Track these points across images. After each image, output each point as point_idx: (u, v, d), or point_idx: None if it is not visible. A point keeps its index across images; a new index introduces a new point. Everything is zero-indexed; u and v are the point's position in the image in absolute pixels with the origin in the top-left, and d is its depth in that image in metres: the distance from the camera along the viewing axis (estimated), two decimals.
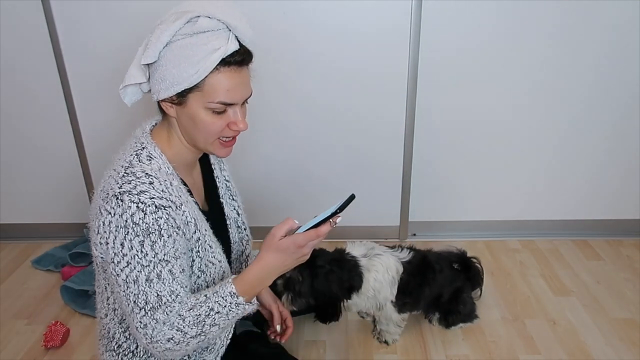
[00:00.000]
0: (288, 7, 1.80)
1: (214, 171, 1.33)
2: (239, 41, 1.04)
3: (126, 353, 1.17)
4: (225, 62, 1.02)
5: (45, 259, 2.05)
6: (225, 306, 1.03)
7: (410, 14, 1.80)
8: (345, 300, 1.44)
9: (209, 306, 1.03)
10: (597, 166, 2.06)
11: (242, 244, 1.41)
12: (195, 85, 1.03)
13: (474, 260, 1.69)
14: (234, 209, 1.38)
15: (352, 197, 1.06)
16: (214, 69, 1.01)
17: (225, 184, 1.36)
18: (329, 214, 1.04)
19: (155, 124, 1.18)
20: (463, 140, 2.02)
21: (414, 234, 2.19)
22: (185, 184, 1.14)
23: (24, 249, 2.16)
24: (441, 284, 1.56)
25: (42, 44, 1.88)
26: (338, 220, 1.05)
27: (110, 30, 1.86)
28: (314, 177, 2.08)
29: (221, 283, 1.06)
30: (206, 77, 1.02)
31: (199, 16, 1.01)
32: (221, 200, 1.33)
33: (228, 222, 1.34)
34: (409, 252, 1.53)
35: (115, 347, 1.18)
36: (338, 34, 1.84)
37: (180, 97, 1.05)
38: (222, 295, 1.03)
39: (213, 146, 1.12)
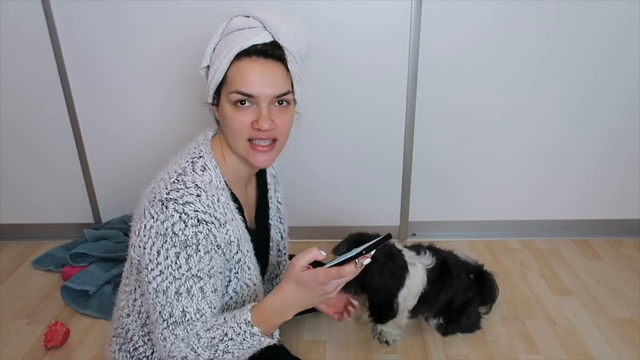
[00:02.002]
0: (287, 7, 1.80)
1: (269, 191, 1.29)
2: (273, 38, 1.02)
3: (141, 358, 1.16)
4: (246, 52, 1.00)
5: (45, 259, 2.05)
6: (239, 334, 0.97)
7: (411, 12, 1.80)
8: (396, 296, 1.36)
9: (223, 331, 0.98)
10: (597, 166, 2.06)
11: (279, 268, 1.39)
12: (222, 80, 1.03)
13: (491, 276, 1.66)
14: (279, 232, 1.35)
15: (388, 237, 0.93)
16: (235, 59, 1.00)
17: (277, 205, 1.33)
18: (357, 252, 0.93)
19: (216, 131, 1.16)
20: (463, 141, 2.02)
21: (414, 234, 2.19)
22: (236, 200, 1.10)
23: (24, 249, 2.16)
24: (456, 290, 1.53)
25: (42, 45, 1.87)
26: (365, 262, 0.92)
27: (110, 31, 1.86)
28: (313, 176, 2.08)
29: (240, 309, 1.01)
30: (229, 68, 1.01)
31: (237, 16, 1.02)
32: (270, 221, 1.30)
33: (271, 244, 1.32)
34: (432, 257, 1.47)
35: (131, 349, 1.16)
36: (337, 32, 1.84)
37: (217, 96, 1.06)
38: (238, 322, 0.98)
39: (244, 150, 1.06)
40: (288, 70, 1.06)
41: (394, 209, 2.13)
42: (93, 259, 1.95)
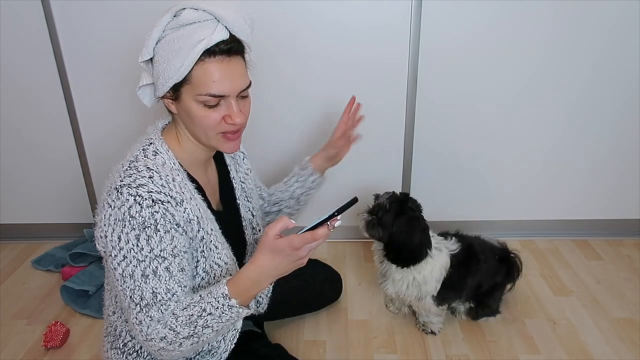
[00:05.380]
0: (288, 7, 1.80)
1: (230, 172, 1.32)
2: (229, 31, 1.03)
3: (131, 352, 1.16)
4: (210, 52, 1.01)
5: (45, 259, 2.05)
6: (217, 308, 1.00)
7: (411, 11, 1.80)
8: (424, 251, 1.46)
9: (201, 307, 1.00)
10: (597, 165, 2.05)
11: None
12: (184, 79, 1.02)
13: (514, 255, 1.68)
14: (249, 210, 1.36)
15: (354, 200, 1.00)
16: (199, 60, 1.00)
17: (241, 185, 1.35)
18: (328, 216, 0.99)
19: (169, 122, 1.19)
20: (463, 142, 2.02)
21: None
22: (195, 182, 1.13)
23: (24, 249, 2.16)
24: (483, 275, 1.57)
25: (42, 44, 1.87)
26: (336, 224, 0.98)
27: (110, 31, 1.85)
28: None
29: (216, 284, 1.04)
30: (192, 69, 1.01)
31: (184, 8, 1.01)
32: (237, 201, 1.32)
33: (244, 223, 1.34)
34: (457, 242, 1.55)
35: (121, 345, 1.17)
36: (338, 31, 1.84)
37: (175, 93, 1.05)
38: (215, 297, 1.00)
39: (216, 141, 1.11)
40: (245, 60, 1.09)
41: None
42: (93, 259, 1.95)
